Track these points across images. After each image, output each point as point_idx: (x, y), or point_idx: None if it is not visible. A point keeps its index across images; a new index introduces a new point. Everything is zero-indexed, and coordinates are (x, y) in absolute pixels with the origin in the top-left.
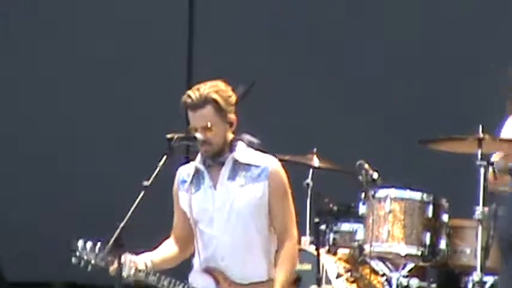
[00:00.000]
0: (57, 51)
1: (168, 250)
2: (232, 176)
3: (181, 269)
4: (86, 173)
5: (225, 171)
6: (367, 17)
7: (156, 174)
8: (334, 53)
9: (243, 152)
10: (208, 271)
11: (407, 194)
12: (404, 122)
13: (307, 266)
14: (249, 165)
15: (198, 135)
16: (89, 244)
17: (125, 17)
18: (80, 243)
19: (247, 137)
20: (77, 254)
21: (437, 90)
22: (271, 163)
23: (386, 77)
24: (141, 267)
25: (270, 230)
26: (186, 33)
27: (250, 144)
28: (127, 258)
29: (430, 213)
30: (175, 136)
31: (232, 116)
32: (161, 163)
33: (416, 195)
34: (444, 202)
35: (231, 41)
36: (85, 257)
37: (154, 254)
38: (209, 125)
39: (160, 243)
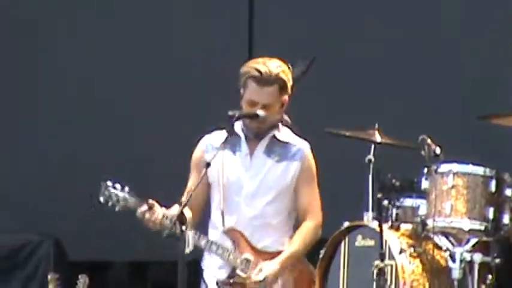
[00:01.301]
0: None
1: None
2: (268, 151)
3: None
4: (151, 153)
5: (262, 145)
6: None
7: (218, 151)
8: (397, 30)
9: (282, 130)
10: (230, 234)
11: (470, 168)
12: (467, 96)
13: (370, 242)
14: (285, 143)
15: (260, 112)
16: (118, 185)
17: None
18: (109, 182)
19: (285, 117)
20: (106, 193)
21: (500, 64)
22: (306, 146)
23: (448, 51)
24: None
25: (294, 212)
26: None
27: (286, 124)
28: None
29: (493, 188)
30: (237, 113)
31: (285, 97)
32: (223, 140)
33: (479, 170)
34: (507, 177)
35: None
36: (114, 197)
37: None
38: (271, 102)
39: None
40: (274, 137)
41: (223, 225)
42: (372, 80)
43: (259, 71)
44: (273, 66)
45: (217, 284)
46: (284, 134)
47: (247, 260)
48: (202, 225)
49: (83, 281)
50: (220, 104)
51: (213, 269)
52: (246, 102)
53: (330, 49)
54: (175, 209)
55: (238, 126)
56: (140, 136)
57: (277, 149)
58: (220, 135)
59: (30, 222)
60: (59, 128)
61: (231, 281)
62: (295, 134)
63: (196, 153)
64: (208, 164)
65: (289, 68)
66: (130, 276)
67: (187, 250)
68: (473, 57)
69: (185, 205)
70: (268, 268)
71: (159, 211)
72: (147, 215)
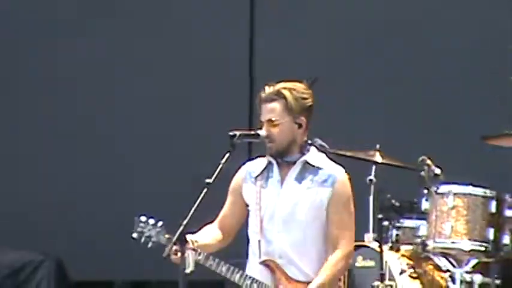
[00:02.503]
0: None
1: (211, 236)
2: (299, 177)
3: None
4: (147, 173)
5: (294, 171)
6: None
7: (219, 171)
8: (395, 51)
9: (314, 155)
10: (266, 264)
11: (470, 189)
12: (466, 117)
13: (371, 263)
14: (318, 169)
15: (261, 131)
16: (152, 221)
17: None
18: (143, 218)
19: (319, 141)
20: (139, 229)
21: (500, 87)
22: (339, 172)
23: (448, 73)
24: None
25: (328, 238)
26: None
27: (321, 149)
28: (190, 254)
29: (493, 209)
30: (238, 133)
31: (302, 118)
32: (223, 160)
33: (479, 191)
34: (507, 197)
35: (292, 38)
36: (147, 233)
37: (199, 236)
38: (274, 119)
39: (201, 227)
40: (306, 162)
41: (260, 256)
42: (373, 101)
43: (264, 90)
44: (280, 84)
45: None
46: (317, 158)
47: None
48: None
49: None
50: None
51: None
52: (259, 124)
53: (333, 69)
54: (201, 236)
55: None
56: (144, 156)
57: (309, 175)
58: (261, 162)
59: (32, 242)
60: (62, 146)
61: None
62: (330, 159)
63: (235, 180)
64: (208, 184)
65: (307, 90)
66: None
67: (188, 270)
68: (473, 77)
69: (186, 226)
70: None
71: (188, 255)
72: (174, 256)
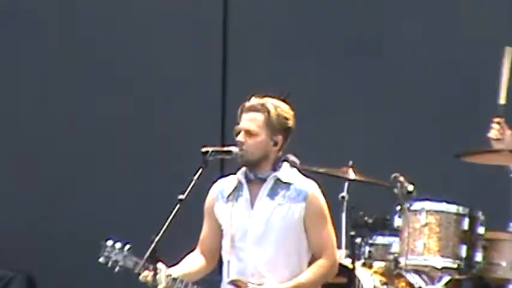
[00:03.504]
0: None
1: (194, 263)
2: (272, 193)
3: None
4: (122, 189)
5: (266, 188)
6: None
7: (191, 187)
8: (370, 64)
9: (286, 171)
10: (235, 283)
11: (443, 206)
12: (439, 135)
13: (343, 279)
14: (289, 184)
15: (233, 148)
16: (118, 245)
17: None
18: (109, 242)
19: (292, 158)
20: (105, 254)
21: (472, 104)
22: (310, 186)
23: (421, 89)
24: (174, 275)
25: (304, 254)
26: (220, 42)
27: (293, 165)
28: (161, 269)
29: (465, 226)
30: (210, 150)
31: (280, 137)
32: (196, 176)
33: (452, 208)
34: (480, 215)
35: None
36: (113, 257)
37: (180, 267)
38: (252, 129)
39: (184, 257)
40: (277, 178)
41: (228, 276)
42: (345, 117)
43: (250, 100)
44: (267, 99)
45: None
46: (288, 174)
47: None
48: None
49: None
50: None
51: None
52: (235, 131)
53: (303, 85)
54: (182, 266)
55: (241, 172)
56: (118, 174)
57: (281, 191)
58: (233, 180)
59: (2, 258)
60: (28, 164)
61: None
62: (303, 174)
63: (208, 200)
64: (180, 200)
65: (290, 112)
66: None
67: (160, 286)
68: (446, 94)
69: (157, 243)
70: (268, 285)
71: (160, 270)
72: (144, 278)
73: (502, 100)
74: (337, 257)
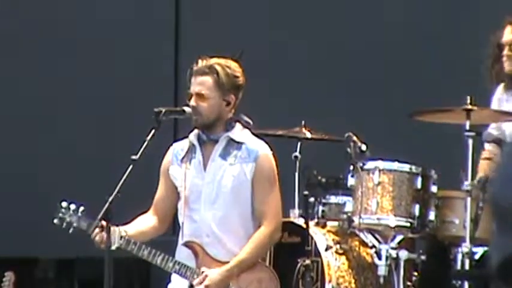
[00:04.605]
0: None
1: (145, 223)
2: (224, 153)
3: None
4: (75, 151)
5: (218, 148)
6: None
7: (144, 148)
8: (324, 27)
9: (238, 132)
10: (188, 245)
11: (396, 165)
12: (392, 94)
13: (297, 239)
14: (241, 144)
15: (186, 108)
16: (73, 206)
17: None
18: (64, 204)
19: (245, 118)
20: (60, 215)
21: (425, 62)
22: (261, 147)
23: (373, 50)
24: (123, 234)
25: (255, 214)
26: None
27: (246, 125)
28: (115, 230)
29: (419, 185)
30: (163, 110)
31: (232, 96)
32: (149, 137)
33: (405, 167)
34: (433, 173)
35: (219, 13)
36: (67, 219)
37: (131, 226)
38: (203, 92)
39: (135, 218)
40: (230, 138)
41: (183, 237)
42: (298, 79)
43: (197, 62)
44: (214, 59)
45: None
46: (241, 135)
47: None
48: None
49: (9, 278)
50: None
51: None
52: (188, 96)
53: (256, 48)
54: (134, 225)
55: (193, 134)
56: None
57: (233, 151)
58: (186, 143)
59: None
60: None
61: None
62: (255, 135)
63: (164, 163)
64: (134, 160)
65: (239, 69)
66: (58, 273)
67: (114, 247)
68: (401, 55)
69: (111, 202)
70: (210, 277)
71: (113, 231)
72: (97, 238)
73: None
74: (279, 223)
